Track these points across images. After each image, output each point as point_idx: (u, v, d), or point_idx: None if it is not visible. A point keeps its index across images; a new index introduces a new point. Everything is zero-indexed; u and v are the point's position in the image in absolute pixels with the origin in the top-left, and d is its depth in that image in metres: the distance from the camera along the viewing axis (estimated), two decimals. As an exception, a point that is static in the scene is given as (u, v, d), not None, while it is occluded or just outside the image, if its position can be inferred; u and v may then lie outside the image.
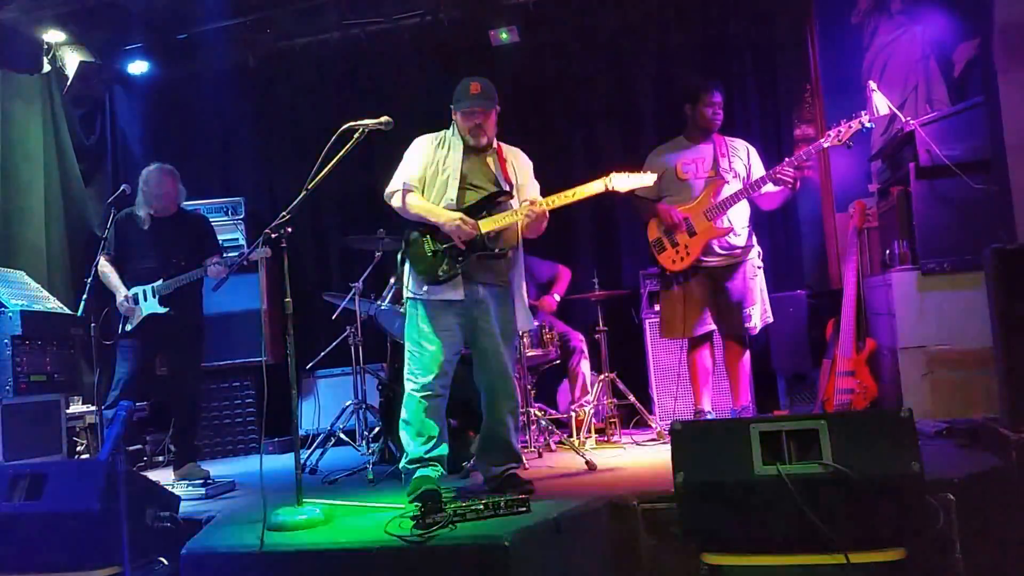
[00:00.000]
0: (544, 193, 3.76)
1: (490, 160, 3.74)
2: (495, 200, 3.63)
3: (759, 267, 4.45)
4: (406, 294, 3.68)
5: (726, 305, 4.41)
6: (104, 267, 4.65)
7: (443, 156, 3.68)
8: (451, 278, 3.56)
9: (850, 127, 4.15)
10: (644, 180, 3.79)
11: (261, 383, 5.29)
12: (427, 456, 3.52)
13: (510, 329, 3.70)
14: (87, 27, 6.10)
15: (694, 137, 4.55)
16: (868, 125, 4.16)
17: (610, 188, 3.69)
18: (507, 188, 3.68)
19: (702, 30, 6.21)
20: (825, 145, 4.23)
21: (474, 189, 3.65)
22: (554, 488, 3.60)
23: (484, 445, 3.77)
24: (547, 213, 3.60)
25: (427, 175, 3.68)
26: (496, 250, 3.61)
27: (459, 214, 3.55)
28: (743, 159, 4.48)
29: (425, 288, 3.58)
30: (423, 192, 3.69)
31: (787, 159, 4.28)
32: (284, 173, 6.67)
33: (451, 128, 3.76)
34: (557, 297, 5.40)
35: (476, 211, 3.60)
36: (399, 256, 3.76)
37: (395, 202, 3.69)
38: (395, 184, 3.70)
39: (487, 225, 3.57)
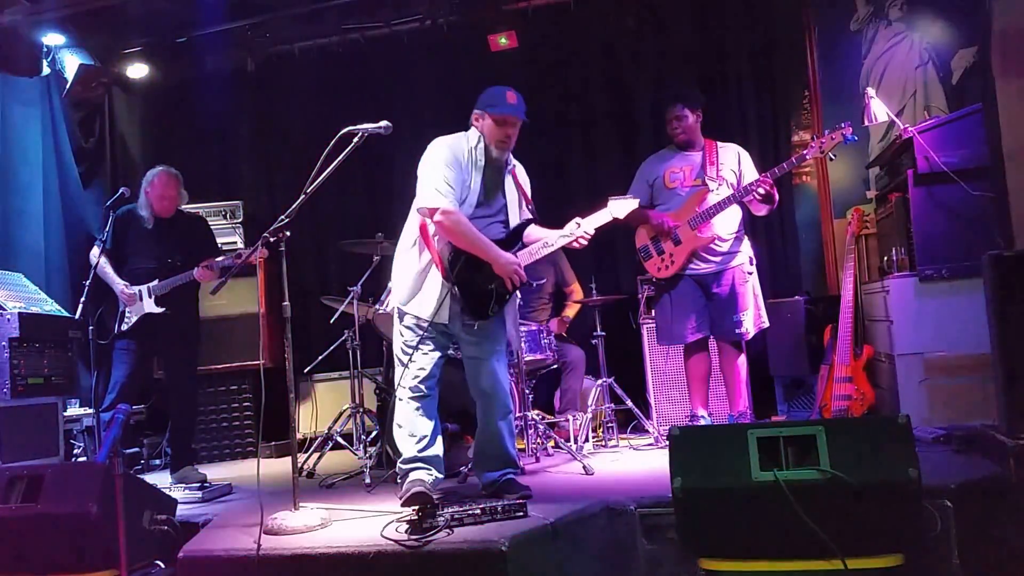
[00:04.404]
0: (541, 199, 3.76)
1: (508, 179, 3.67)
2: (526, 229, 3.63)
3: (750, 272, 4.45)
4: (398, 305, 3.60)
5: (717, 311, 4.42)
6: (101, 261, 4.65)
7: (469, 168, 3.53)
8: (496, 315, 3.56)
9: (832, 139, 4.17)
10: (631, 204, 3.75)
11: (259, 386, 5.31)
12: (420, 455, 3.50)
13: (500, 334, 3.68)
14: (87, 30, 6.10)
15: (683, 145, 4.57)
16: (851, 137, 4.16)
17: (614, 216, 3.67)
18: (529, 212, 3.67)
19: (701, 36, 6.22)
20: (809, 156, 4.31)
21: (483, 210, 3.59)
22: (551, 493, 3.59)
23: (480, 451, 3.76)
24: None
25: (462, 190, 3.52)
26: (533, 284, 3.62)
27: (515, 259, 3.48)
28: (733, 165, 4.49)
29: (429, 312, 3.48)
30: None
31: (762, 176, 4.30)
32: (283, 177, 6.69)
33: (473, 134, 3.60)
34: (570, 314, 5.48)
35: (512, 243, 3.58)
36: (405, 263, 3.63)
37: (447, 224, 3.40)
38: (437, 200, 3.41)
39: (525, 259, 3.56)
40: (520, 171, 3.76)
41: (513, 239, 3.61)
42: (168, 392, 4.94)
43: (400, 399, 3.56)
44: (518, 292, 3.65)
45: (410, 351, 3.53)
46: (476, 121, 3.61)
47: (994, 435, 3.28)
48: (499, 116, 3.51)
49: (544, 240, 3.61)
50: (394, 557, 2.82)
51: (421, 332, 3.52)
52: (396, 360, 3.62)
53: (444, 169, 3.46)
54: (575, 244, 3.63)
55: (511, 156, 3.67)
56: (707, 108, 4.65)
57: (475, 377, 3.65)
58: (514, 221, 3.67)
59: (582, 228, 3.59)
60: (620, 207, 3.70)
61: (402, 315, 3.59)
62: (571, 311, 5.57)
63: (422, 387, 3.54)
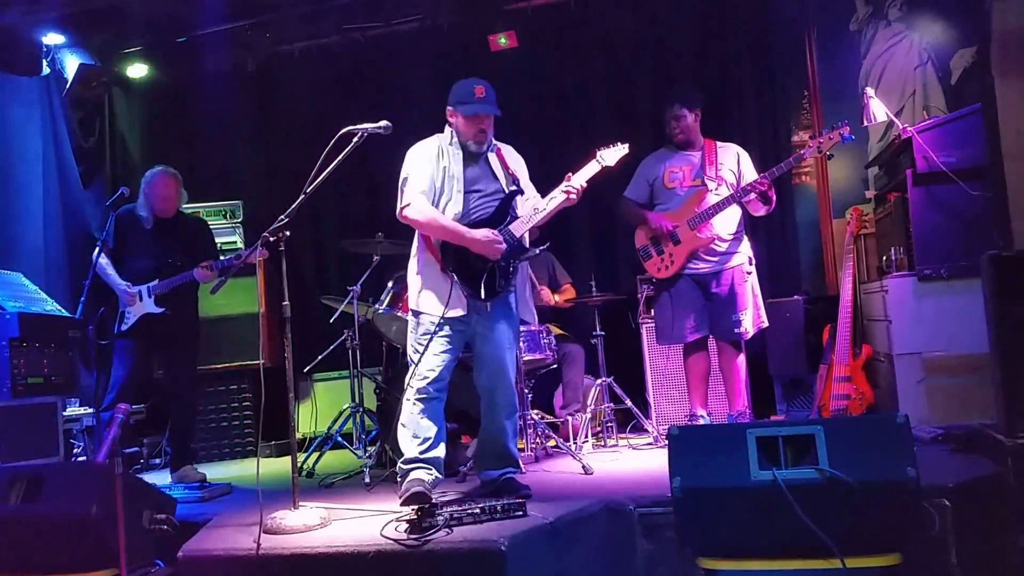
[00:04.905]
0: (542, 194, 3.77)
1: (492, 159, 3.70)
2: (512, 202, 3.63)
3: (749, 272, 4.45)
4: (412, 307, 3.62)
5: (716, 310, 4.43)
6: (102, 259, 4.66)
7: (445, 165, 3.60)
8: (505, 290, 3.58)
9: (830, 139, 4.18)
10: (622, 151, 3.83)
11: (258, 386, 5.31)
12: (421, 456, 3.50)
13: (512, 335, 3.70)
14: (87, 30, 6.10)
15: (682, 145, 4.57)
16: (848, 136, 4.18)
17: (604, 165, 3.75)
18: (515, 186, 3.67)
19: (701, 36, 6.23)
20: (807, 156, 4.36)
21: (478, 194, 3.62)
22: (551, 492, 3.60)
23: (482, 449, 3.77)
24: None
25: (434, 187, 3.58)
26: (537, 251, 3.65)
27: (488, 230, 3.51)
28: (732, 165, 4.49)
29: (441, 308, 3.50)
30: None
31: (760, 176, 4.30)
32: (283, 176, 6.68)
33: (446, 132, 3.69)
34: (557, 299, 5.44)
35: (500, 218, 3.59)
36: (410, 266, 3.68)
37: (413, 216, 3.52)
38: (409, 199, 3.54)
39: (519, 229, 3.58)
40: (508, 151, 3.78)
41: (499, 215, 3.60)
42: (168, 391, 4.94)
43: (407, 399, 3.56)
44: (519, 265, 3.65)
45: (422, 350, 3.53)
46: (450, 117, 3.67)
47: (992, 434, 3.28)
48: (470, 114, 3.58)
49: (534, 206, 3.62)
50: (393, 556, 2.82)
51: (435, 329, 3.51)
52: (410, 361, 3.62)
53: (410, 173, 3.59)
54: (568, 200, 3.62)
55: (494, 141, 3.71)
56: (706, 108, 4.66)
57: (483, 374, 3.65)
58: None
59: (571, 183, 3.59)
60: (610, 155, 3.78)
61: (417, 315, 3.60)
62: (564, 298, 5.54)
63: (430, 388, 3.53)
